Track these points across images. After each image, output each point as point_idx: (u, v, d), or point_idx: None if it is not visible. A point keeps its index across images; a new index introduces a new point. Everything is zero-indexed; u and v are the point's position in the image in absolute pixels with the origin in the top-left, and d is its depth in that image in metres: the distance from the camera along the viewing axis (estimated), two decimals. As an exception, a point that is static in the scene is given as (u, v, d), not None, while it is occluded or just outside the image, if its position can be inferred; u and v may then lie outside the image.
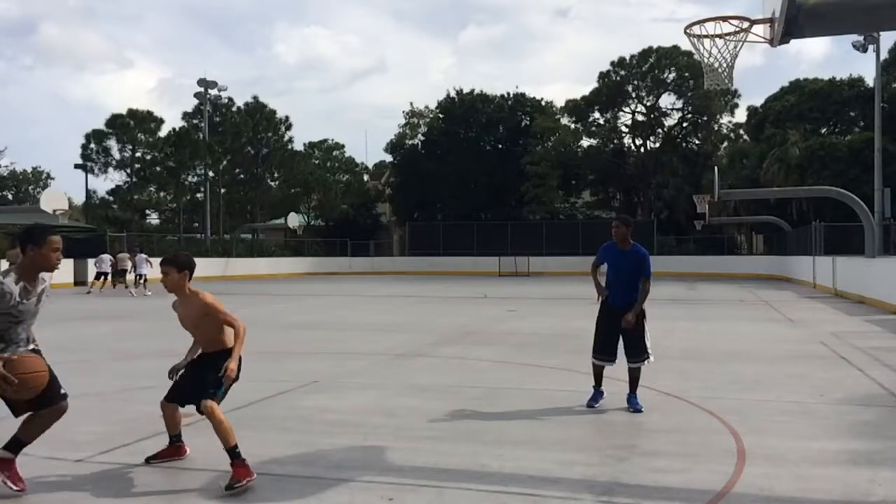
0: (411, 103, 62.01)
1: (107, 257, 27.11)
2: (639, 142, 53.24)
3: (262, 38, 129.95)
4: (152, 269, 25.55)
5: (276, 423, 6.00)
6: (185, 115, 52.78)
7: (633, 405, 6.41)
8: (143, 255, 25.94)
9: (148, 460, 4.90)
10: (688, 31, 6.85)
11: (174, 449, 5.02)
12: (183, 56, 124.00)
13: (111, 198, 49.21)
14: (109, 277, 26.85)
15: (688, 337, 12.00)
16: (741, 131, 51.88)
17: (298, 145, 56.77)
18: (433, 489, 4.34)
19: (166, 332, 13.16)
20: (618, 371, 6.69)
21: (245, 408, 6.56)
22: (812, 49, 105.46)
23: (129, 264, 27.08)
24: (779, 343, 11.13)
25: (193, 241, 43.77)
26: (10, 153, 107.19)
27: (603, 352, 6.60)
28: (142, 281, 25.15)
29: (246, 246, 46.35)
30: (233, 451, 4.48)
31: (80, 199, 55.31)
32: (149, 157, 46.62)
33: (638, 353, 6.50)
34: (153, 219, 56.39)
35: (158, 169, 46.09)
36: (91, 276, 28.62)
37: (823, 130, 44.76)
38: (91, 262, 28.19)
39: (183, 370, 4.97)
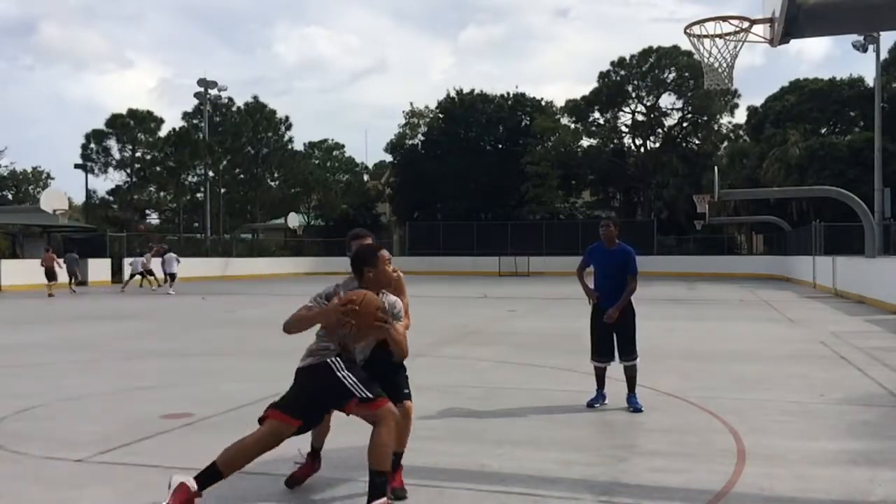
0: (411, 103, 62.06)
1: (140, 260, 27.72)
2: (639, 142, 53.24)
3: (262, 38, 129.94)
4: (179, 265, 25.94)
5: (276, 423, 5.99)
6: (185, 115, 52.78)
7: (632, 405, 6.42)
8: (173, 255, 26.29)
9: (290, 485, 4.36)
10: (688, 31, 6.85)
11: (310, 464, 4.49)
12: (183, 56, 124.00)
13: (111, 198, 49.19)
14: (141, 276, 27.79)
15: (688, 337, 12.00)
16: (741, 131, 51.88)
17: (298, 145, 56.82)
18: (433, 489, 4.34)
19: (167, 332, 13.17)
20: (617, 371, 6.68)
21: (245, 407, 6.56)
22: (812, 49, 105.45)
23: (153, 263, 27.83)
24: (779, 343, 11.13)
25: (193, 240, 43.76)
26: (10, 153, 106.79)
27: (601, 353, 6.63)
28: (172, 280, 25.46)
29: (246, 246, 46.36)
30: (399, 457, 4.27)
31: (80, 199, 55.32)
32: (149, 157, 46.60)
33: (630, 350, 6.54)
34: (153, 219, 56.37)
35: (158, 169, 46.07)
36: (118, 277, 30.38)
37: (823, 130, 44.73)
38: (127, 262, 29.28)
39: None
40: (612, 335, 6.54)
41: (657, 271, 35.94)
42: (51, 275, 24.71)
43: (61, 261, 25.77)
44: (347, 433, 5.66)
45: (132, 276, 27.46)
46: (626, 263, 6.58)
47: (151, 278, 27.52)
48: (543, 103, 55.28)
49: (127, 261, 29.41)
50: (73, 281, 26.04)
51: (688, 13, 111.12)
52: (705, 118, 51.05)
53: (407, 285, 4.61)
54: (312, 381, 4.05)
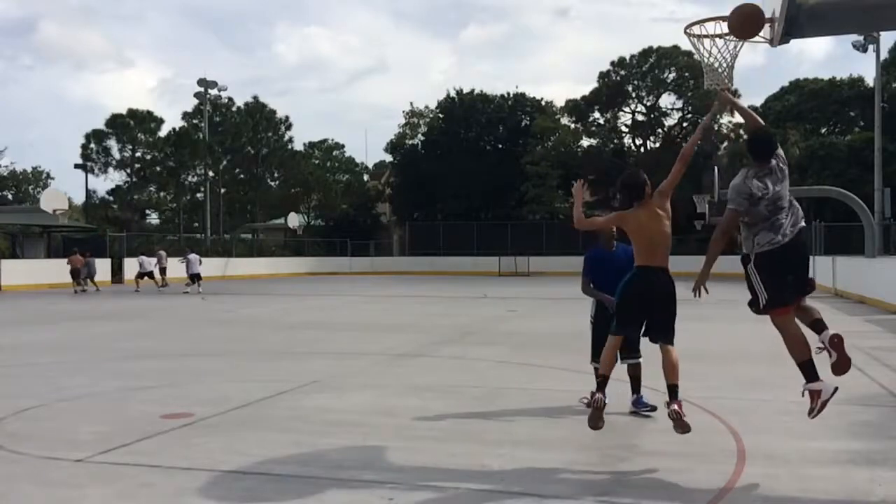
0: (411, 103, 62.02)
1: (153, 260, 28.09)
2: (639, 142, 53.24)
3: (262, 38, 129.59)
4: (202, 265, 25.93)
5: (276, 423, 6.00)
6: (185, 115, 52.78)
7: (641, 406, 6.30)
8: (196, 255, 26.26)
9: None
10: (688, 31, 6.84)
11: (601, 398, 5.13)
12: (183, 56, 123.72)
13: (111, 198, 49.21)
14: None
15: (688, 337, 11.91)
16: (741, 131, 51.87)
17: (298, 145, 56.87)
18: (433, 489, 4.34)
19: (167, 333, 13.17)
20: (617, 371, 6.66)
21: (245, 408, 6.56)
22: (812, 49, 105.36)
23: (166, 263, 28.29)
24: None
25: (193, 240, 43.75)
26: (10, 153, 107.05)
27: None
28: (197, 280, 25.40)
29: (246, 246, 46.35)
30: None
31: (80, 199, 55.32)
32: (149, 157, 46.65)
33: (634, 349, 6.45)
34: (153, 219, 56.40)
35: (158, 169, 46.15)
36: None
37: (823, 130, 44.76)
38: (135, 261, 29.48)
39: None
40: None
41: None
42: (76, 274, 25.79)
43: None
44: (346, 434, 5.66)
45: (141, 275, 27.47)
46: (632, 263, 6.56)
47: (157, 278, 27.63)
48: (543, 103, 55.24)
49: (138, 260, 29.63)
50: (83, 282, 26.50)
51: (688, 13, 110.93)
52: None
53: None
54: (795, 260, 4.97)
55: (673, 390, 5.05)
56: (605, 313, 6.52)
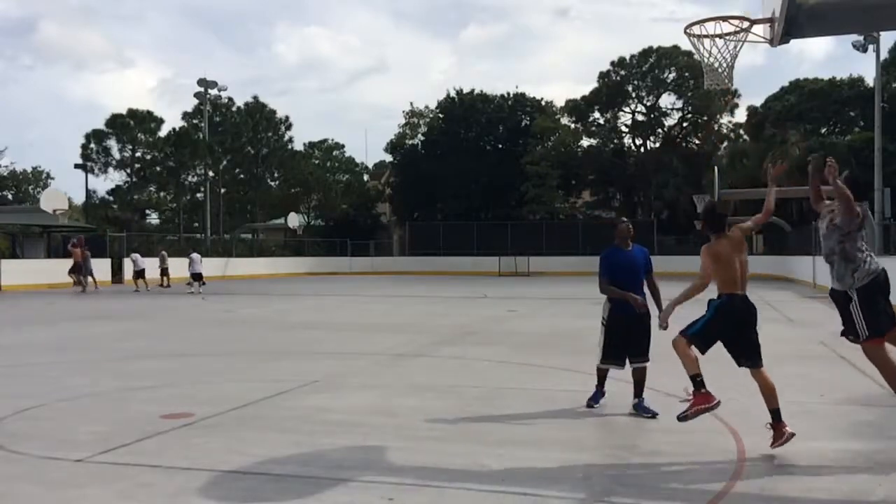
0: (411, 103, 62.05)
1: (152, 260, 28.07)
2: (639, 142, 53.24)
3: (262, 38, 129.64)
4: (202, 264, 25.87)
5: (276, 423, 6.00)
6: (185, 115, 52.73)
7: (642, 410, 6.22)
8: (198, 255, 26.14)
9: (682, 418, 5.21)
10: (688, 31, 6.86)
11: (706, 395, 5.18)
12: (183, 56, 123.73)
13: (111, 198, 49.14)
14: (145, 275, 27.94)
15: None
16: (741, 131, 51.88)
17: (298, 145, 56.84)
18: (433, 489, 4.34)
19: (167, 333, 13.16)
20: (619, 372, 6.67)
21: (245, 408, 6.57)
22: (813, 49, 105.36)
23: (167, 263, 28.47)
24: (779, 343, 11.11)
25: (193, 240, 43.74)
26: (10, 153, 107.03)
27: (615, 357, 6.43)
28: (199, 280, 25.22)
29: (246, 246, 46.33)
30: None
31: (80, 199, 55.28)
32: (149, 157, 46.53)
33: (645, 352, 6.37)
34: (153, 219, 56.36)
35: (158, 169, 46.06)
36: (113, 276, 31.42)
37: (823, 130, 44.72)
38: (126, 261, 29.72)
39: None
40: (630, 338, 6.38)
41: (657, 271, 35.62)
42: (76, 269, 25.80)
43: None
44: (346, 434, 5.67)
45: (137, 275, 27.47)
46: (649, 260, 6.60)
47: (153, 278, 27.62)
48: (543, 103, 55.26)
49: (125, 260, 29.66)
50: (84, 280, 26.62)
51: (688, 13, 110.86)
52: (705, 118, 51.02)
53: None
54: (886, 292, 5.25)
55: (775, 414, 5.15)
56: (620, 315, 6.40)
